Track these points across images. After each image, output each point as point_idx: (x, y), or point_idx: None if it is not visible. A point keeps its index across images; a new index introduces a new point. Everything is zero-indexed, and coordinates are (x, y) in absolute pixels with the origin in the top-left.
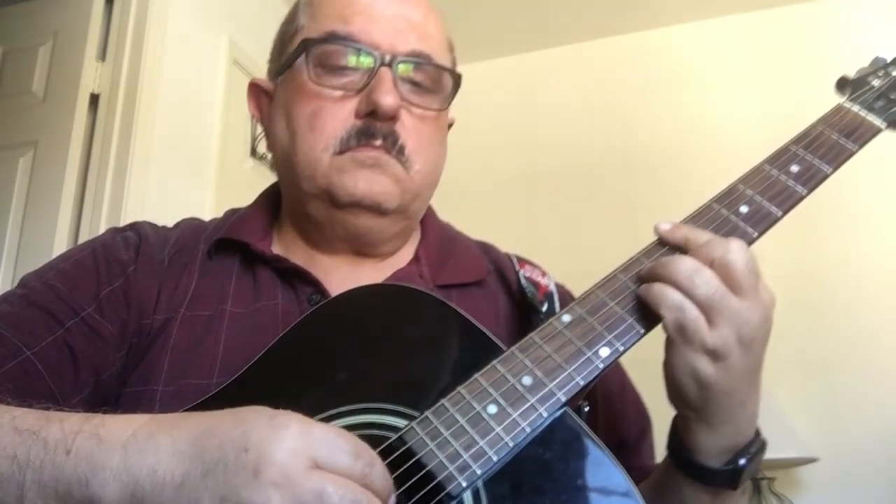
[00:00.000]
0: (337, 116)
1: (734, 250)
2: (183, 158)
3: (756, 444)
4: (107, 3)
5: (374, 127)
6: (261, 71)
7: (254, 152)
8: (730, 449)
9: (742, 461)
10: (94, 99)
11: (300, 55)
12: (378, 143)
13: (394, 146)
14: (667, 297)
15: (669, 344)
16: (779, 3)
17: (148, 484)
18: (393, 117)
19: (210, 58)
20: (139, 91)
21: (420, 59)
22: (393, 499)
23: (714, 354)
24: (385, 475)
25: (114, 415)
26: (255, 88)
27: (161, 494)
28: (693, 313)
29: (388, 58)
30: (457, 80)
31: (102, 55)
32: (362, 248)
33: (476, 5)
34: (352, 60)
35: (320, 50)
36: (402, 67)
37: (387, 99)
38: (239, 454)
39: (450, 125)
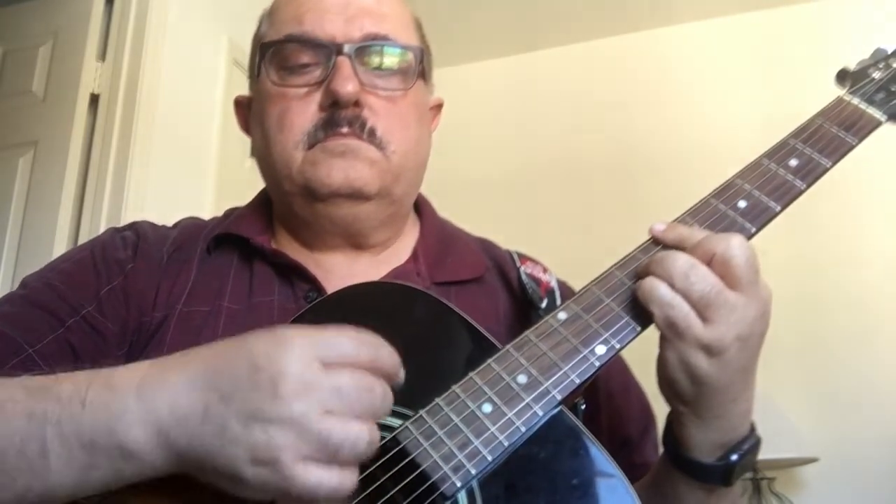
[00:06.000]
0: (303, 113)
1: (735, 246)
2: (183, 158)
3: (749, 441)
4: (107, 3)
5: (337, 116)
6: None
7: (253, 152)
8: (722, 445)
9: (734, 457)
10: (94, 99)
11: (261, 61)
12: (344, 130)
13: (362, 130)
14: (656, 293)
15: (663, 339)
16: (779, 3)
17: (171, 419)
18: (356, 103)
19: (210, 58)
20: (139, 91)
21: (375, 42)
22: (402, 372)
23: (709, 350)
24: (392, 355)
25: (117, 367)
26: (239, 105)
27: (187, 426)
28: (683, 309)
29: (345, 47)
30: (418, 54)
31: (102, 55)
32: (355, 240)
33: (476, 5)
34: (309, 56)
35: (278, 52)
36: (359, 53)
37: (344, 86)
38: (252, 375)
39: (439, 106)
